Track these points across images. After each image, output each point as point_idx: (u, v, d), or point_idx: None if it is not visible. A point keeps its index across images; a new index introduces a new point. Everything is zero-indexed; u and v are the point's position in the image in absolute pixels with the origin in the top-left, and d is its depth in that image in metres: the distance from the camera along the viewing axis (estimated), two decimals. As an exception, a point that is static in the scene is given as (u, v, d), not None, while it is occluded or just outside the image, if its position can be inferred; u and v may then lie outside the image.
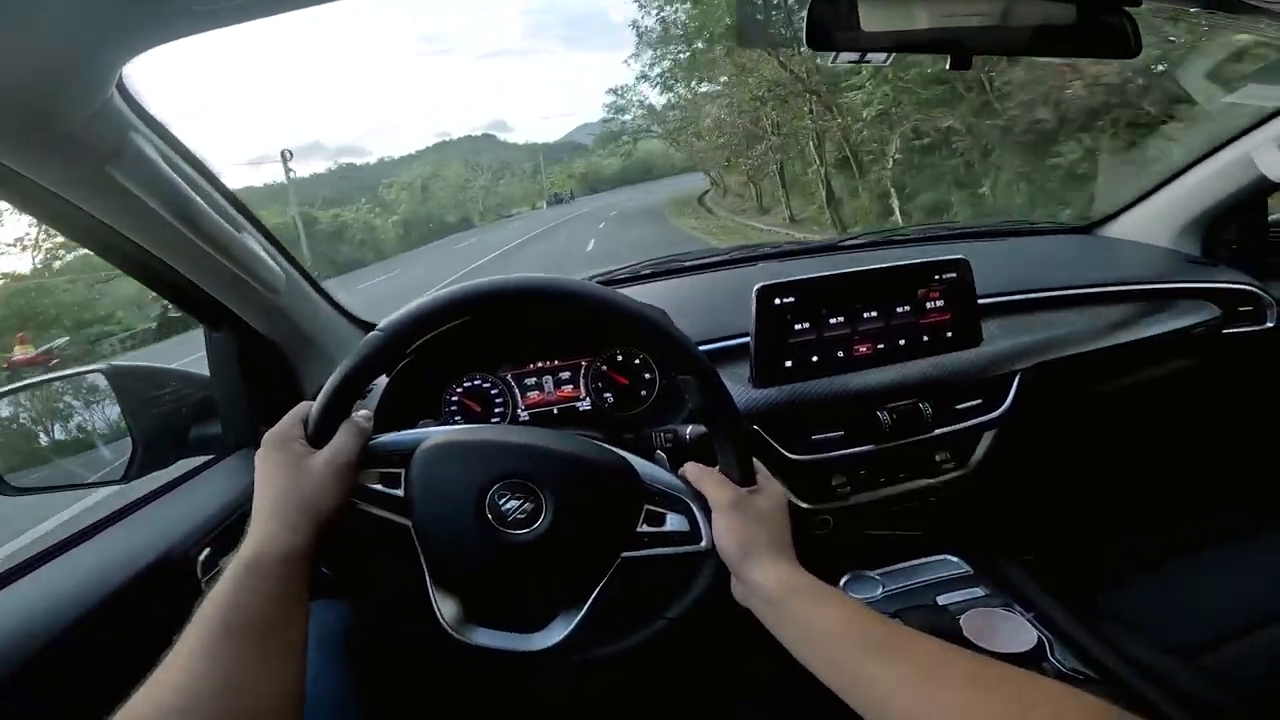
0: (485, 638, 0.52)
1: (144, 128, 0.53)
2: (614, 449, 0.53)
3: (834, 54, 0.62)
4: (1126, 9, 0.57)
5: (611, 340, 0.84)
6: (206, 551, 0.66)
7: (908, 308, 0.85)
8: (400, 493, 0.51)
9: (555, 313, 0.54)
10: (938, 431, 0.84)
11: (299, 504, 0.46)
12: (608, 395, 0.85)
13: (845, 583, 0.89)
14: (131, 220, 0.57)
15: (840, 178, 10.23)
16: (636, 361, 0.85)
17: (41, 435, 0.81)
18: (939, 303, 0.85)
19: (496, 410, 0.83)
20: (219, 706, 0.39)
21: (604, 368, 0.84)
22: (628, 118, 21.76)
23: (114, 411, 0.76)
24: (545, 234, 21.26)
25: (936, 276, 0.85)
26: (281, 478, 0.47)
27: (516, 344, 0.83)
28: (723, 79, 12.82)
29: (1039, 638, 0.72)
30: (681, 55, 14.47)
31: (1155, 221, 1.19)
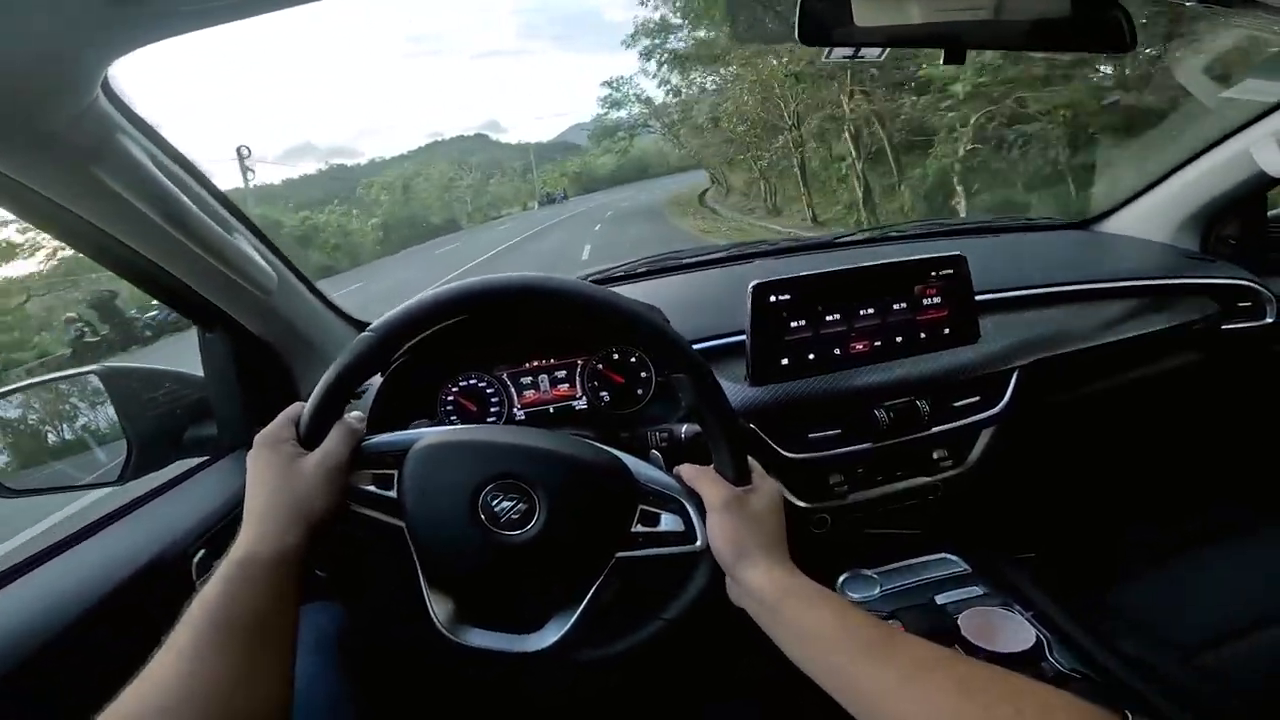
0: (480, 639, 0.51)
1: (130, 128, 0.53)
2: (608, 448, 0.53)
3: (828, 49, 0.62)
4: (1120, 3, 0.57)
5: (607, 339, 0.83)
6: (201, 552, 0.66)
7: (904, 305, 0.84)
8: (393, 494, 0.50)
9: (549, 312, 0.54)
10: (935, 429, 0.84)
11: (290, 505, 0.46)
12: (604, 394, 0.84)
13: (843, 581, 0.88)
14: (120, 222, 0.57)
15: (871, 174, 9.29)
16: (633, 360, 0.84)
17: (37, 437, 0.81)
18: (936, 299, 0.85)
19: (492, 410, 0.83)
20: (207, 708, 0.39)
21: (600, 366, 0.84)
22: (623, 112, 20.89)
23: (109, 413, 0.76)
24: (536, 237, 19.77)
25: (933, 273, 0.84)
26: (273, 479, 0.47)
27: (512, 343, 0.83)
28: (732, 67, 12.00)
29: (1038, 637, 0.72)
30: (682, 45, 13.93)
31: (1154, 217, 1.19)
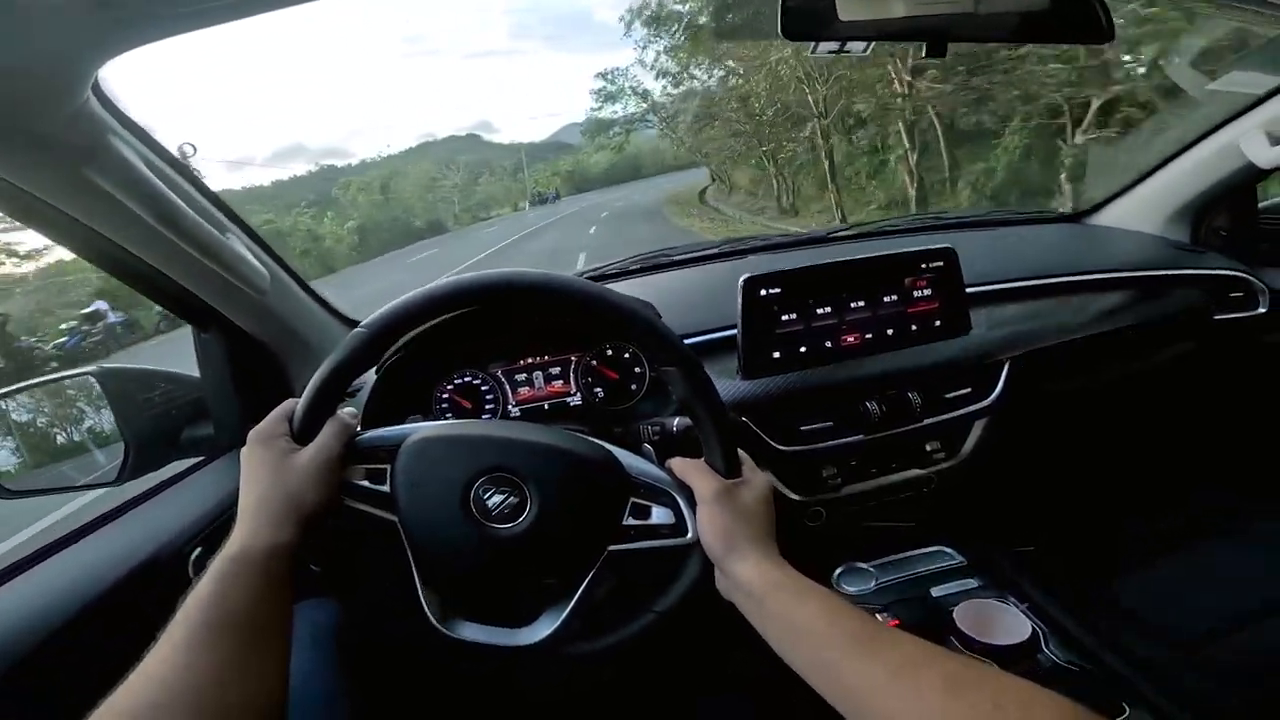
0: (472, 633, 0.52)
1: (122, 130, 0.53)
2: (599, 442, 0.53)
3: (812, 45, 0.63)
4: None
5: (601, 335, 0.84)
6: (198, 551, 0.66)
7: (895, 297, 0.85)
8: (386, 488, 0.51)
9: (541, 308, 0.54)
10: (927, 421, 0.84)
11: (284, 501, 0.47)
12: (598, 390, 0.85)
13: (839, 575, 0.89)
14: (113, 223, 0.57)
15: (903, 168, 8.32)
16: (626, 356, 0.85)
17: (34, 438, 0.82)
18: (926, 292, 0.85)
19: (487, 406, 0.83)
20: (200, 703, 0.39)
21: (594, 362, 0.85)
22: (619, 106, 19.50)
23: (106, 413, 0.76)
24: (524, 241, 18.20)
25: (923, 265, 0.85)
26: (266, 475, 0.48)
27: (506, 340, 0.84)
28: (732, 59, 11.23)
29: (1034, 629, 0.72)
30: (682, 38, 12.79)
31: (1144, 209, 1.19)
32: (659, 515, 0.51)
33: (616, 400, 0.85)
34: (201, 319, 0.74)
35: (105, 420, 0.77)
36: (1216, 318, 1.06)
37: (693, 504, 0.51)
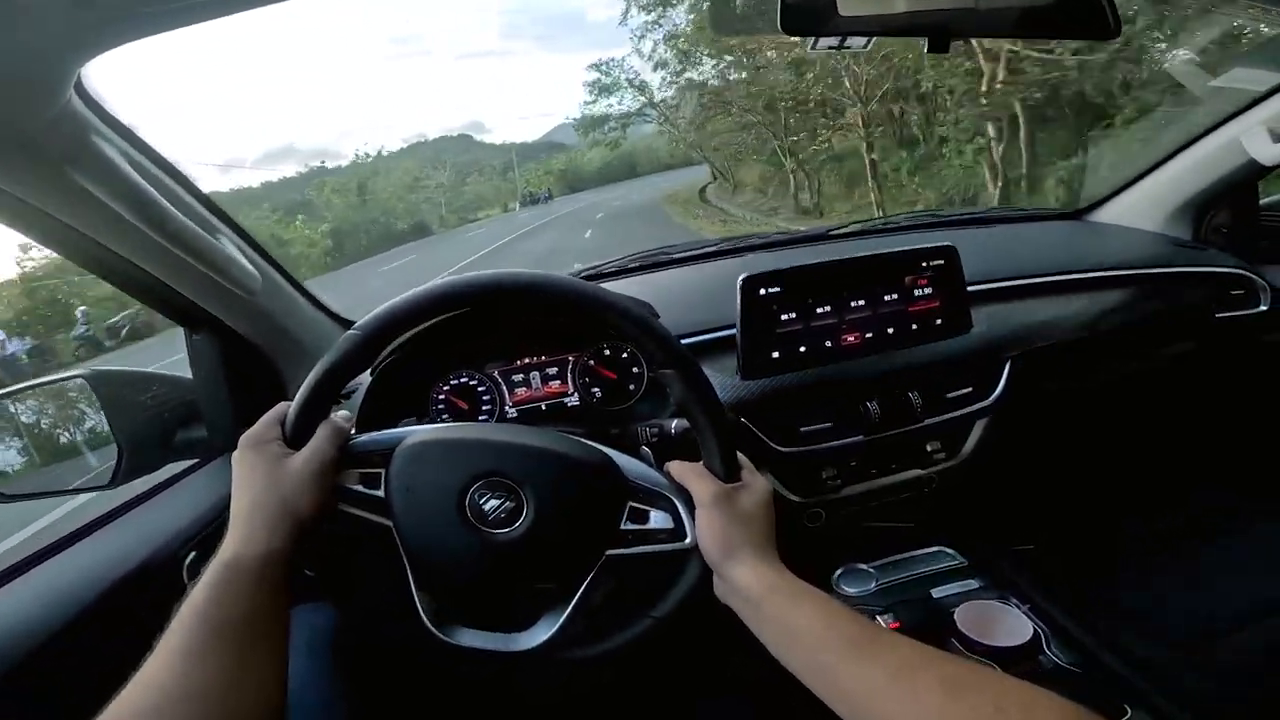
0: (469, 638, 0.51)
1: (106, 130, 0.52)
2: (596, 445, 0.53)
3: (812, 40, 0.62)
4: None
5: (598, 335, 0.83)
6: (192, 555, 0.66)
7: (895, 296, 0.84)
8: (380, 493, 0.50)
9: (537, 309, 0.53)
10: (928, 421, 0.84)
11: (277, 506, 0.46)
12: (595, 390, 0.84)
13: (839, 576, 0.88)
14: (100, 225, 0.56)
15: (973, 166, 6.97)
16: (624, 356, 0.84)
17: (27, 441, 0.81)
18: (927, 290, 0.85)
19: (484, 408, 0.82)
20: (199, 710, 0.39)
21: (591, 363, 0.84)
22: (614, 99, 17.45)
23: (99, 416, 0.75)
24: (515, 243, 17.01)
25: (924, 264, 0.84)
26: (259, 480, 0.47)
27: (503, 340, 0.83)
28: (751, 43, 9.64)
29: (1035, 630, 0.72)
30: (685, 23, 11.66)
31: (1145, 206, 1.19)
32: (657, 519, 0.51)
33: (614, 401, 0.84)
34: (192, 320, 0.73)
35: (98, 423, 0.76)
36: (1218, 315, 1.05)
37: (691, 508, 0.50)
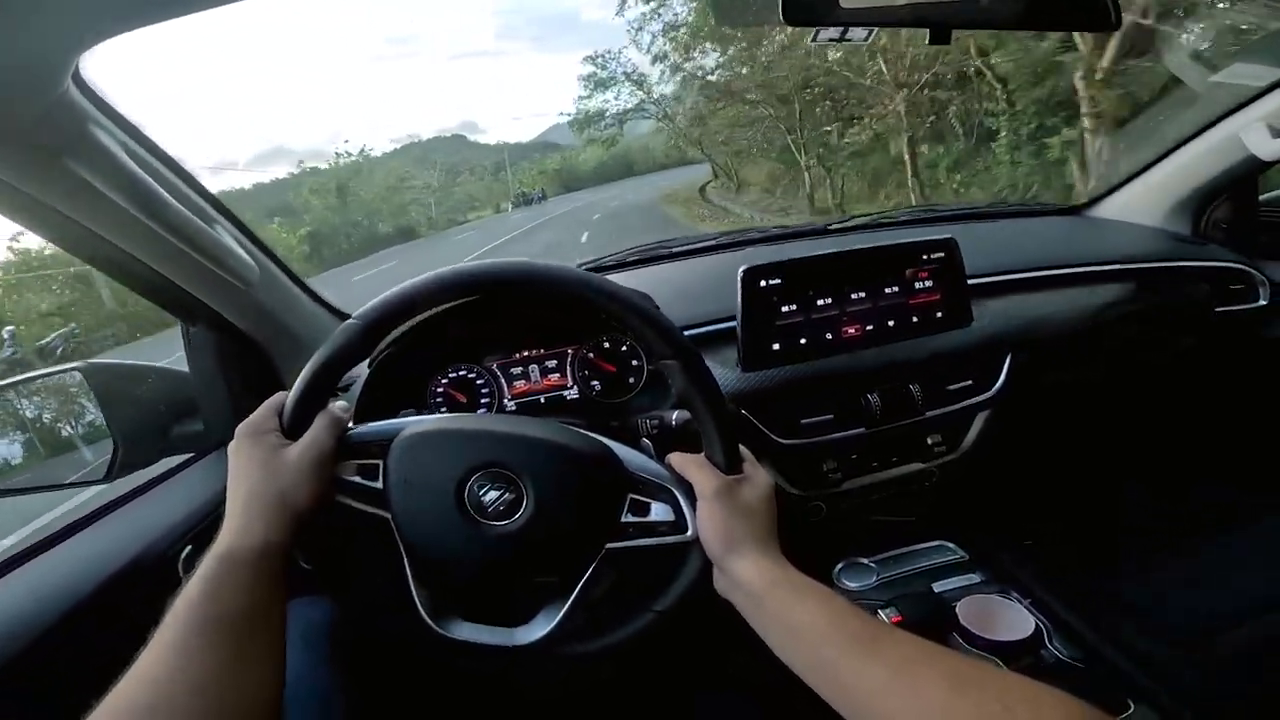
0: (468, 632, 0.51)
1: (104, 120, 0.52)
2: (596, 436, 0.52)
3: (814, 32, 0.62)
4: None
5: (598, 327, 0.83)
6: (188, 549, 0.65)
7: (896, 288, 0.84)
8: (378, 484, 0.49)
9: (538, 300, 0.53)
10: (929, 414, 0.83)
11: (274, 497, 0.46)
12: (595, 383, 0.84)
13: (840, 570, 0.88)
14: (96, 214, 0.56)
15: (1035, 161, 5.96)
16: (624, 349, 0.84)
17: (21, 436, 0.80)
18: (928, 283, 0.85)
19: (482, 401, 0.82)
20: (194, 704, 0.38)
21: (591, 355, 0.83)
22: (611, 94, 16.24)
23: (94, 410, 0.75)
24: (506, 248, 15.61)
25: (924, 256, 0.84)
26: (256, 471, 0.46)
27: (502, 332, 0.82)
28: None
29: (1036, 625, 0.72)
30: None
31: (1145, 202, 1.19)
32: (658, 512, 0.50)
33: (614, 393, 0.84)
34: (189, 313, 0.72)
35: (93, 417, 0.76)
36: (1218, 310, 1.05)
37: (692, 500, 0.50)
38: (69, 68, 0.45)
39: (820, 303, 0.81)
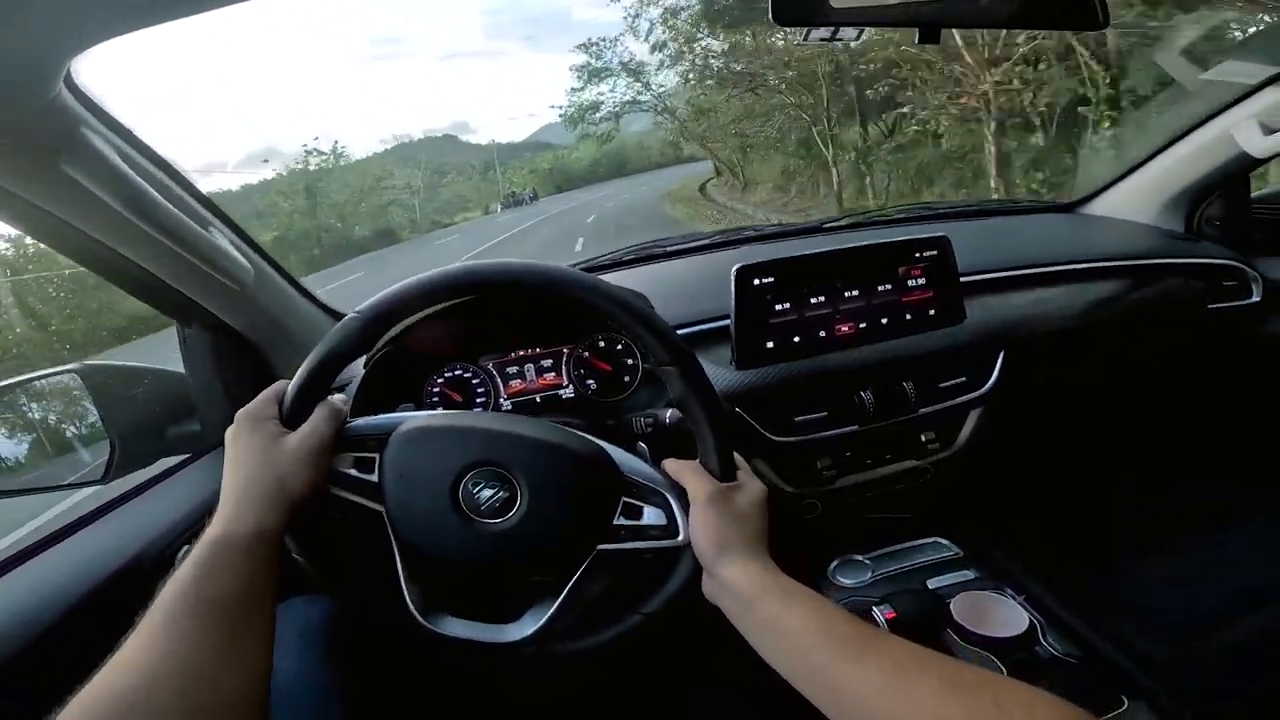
0: (456, 628, 0.51)
1: (96, 123, 0.52)
2: (592, 438, 0.53)
3: (804, 32, 0.62)
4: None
5: (593, 327, 0.83)
6: (185, 549, 0.65)
7: (889, 286, 0.84)
8: (374, 478, 0.50)
9: (540, 301, 0.54)
10: (922, 411, 0.84)
11: (270, 484, 0.46)
12: (590, 383, 0.84)
13: (834, 567, 0.88)
14: (90, 217, 0.56)
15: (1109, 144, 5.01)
16: (619, 347, 0.84)
17: (18, 437, 0.80)
18: (921, 280, 0.85)
19: (478, 400, 0.82)
20: (178, 689, 0.37)
21: (586, 354, 0.84)
22: (606, 87, 14.96)
23: (91, 411, 0.75)
24: (495, 251, 12.47)
25: (917, 254, 0.84)
26: (252, 457, 0.47)
27: (497, 333, 0.83)
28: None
29: (1031, 621, 0.72)
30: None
31: (1138, 198, 1.19)
32: (650, 516, 0.51)
33: (609, 392, 0.84)
34: (184, 314, 0.73)
35: (90, 418, 0.76)
36: (1210, 306, 1.06)
37: (685, 505, 0.50)
38: (61, 71, 0.45)
39: (814, 301, 0.82)
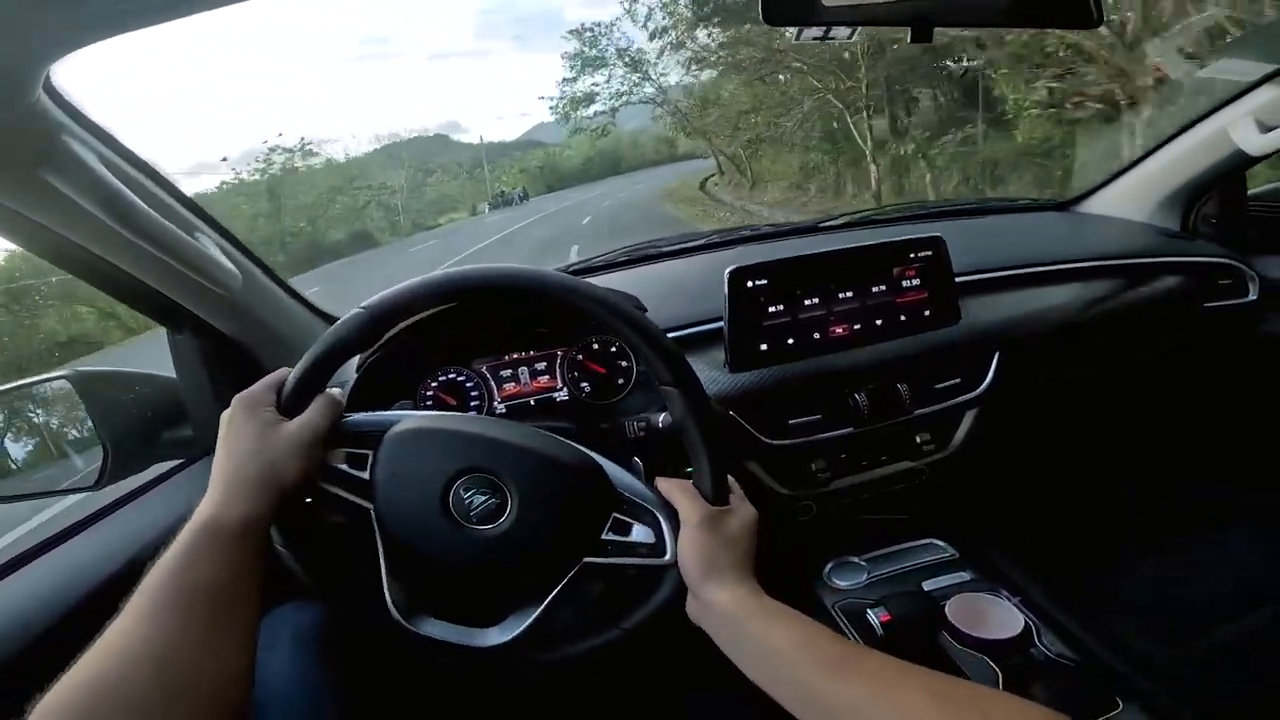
0: (433, 629, 0.51)
1: (77, 129, 0.51)
2: (588, 451, 0.53)
3: (797, 31, 0.62)
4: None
5: (587, 329, 0.83)
6: None
7: (884, 287, 0.84)
8: (365, 475, 0.50)
9: (544, 309, 0.54)
10: (917, 412, 0.84)
11: (262, 471, 0.46)
12: (584, 385, 0.84)
13: (830, 569, 0.88)
14: (75, 225, 0.56)
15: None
16: (613, 350, 0.84)
17: (9, 444, 0.80)
18: (915, 281, 0.85)
19: (472, 404, 0.82)
20: (161, 675, 0.37)
21: (580, 357, 0.84)
22: (601, 78, 13.76)
23: (83, 417, 0.75)
24: (481, 257, 10.98)
25: (912, 255, 0.84)
26: (246, 443, 0.47)
27: (491, 336, 0.83)
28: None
29: (1026, 622, 0.72)
30: None
31: (1133, 197, 1.19)
32: (639, 533, 0.51)
33: (603, 395, 0.84)
34: (174, 320, 0.72)
35: (82, 424, 0.76)
36: (1206, 305, 1.06)
37: (676, 525, 0.50)
38: (40, 77, 0.44)
39: (808, 303, 0.81)
